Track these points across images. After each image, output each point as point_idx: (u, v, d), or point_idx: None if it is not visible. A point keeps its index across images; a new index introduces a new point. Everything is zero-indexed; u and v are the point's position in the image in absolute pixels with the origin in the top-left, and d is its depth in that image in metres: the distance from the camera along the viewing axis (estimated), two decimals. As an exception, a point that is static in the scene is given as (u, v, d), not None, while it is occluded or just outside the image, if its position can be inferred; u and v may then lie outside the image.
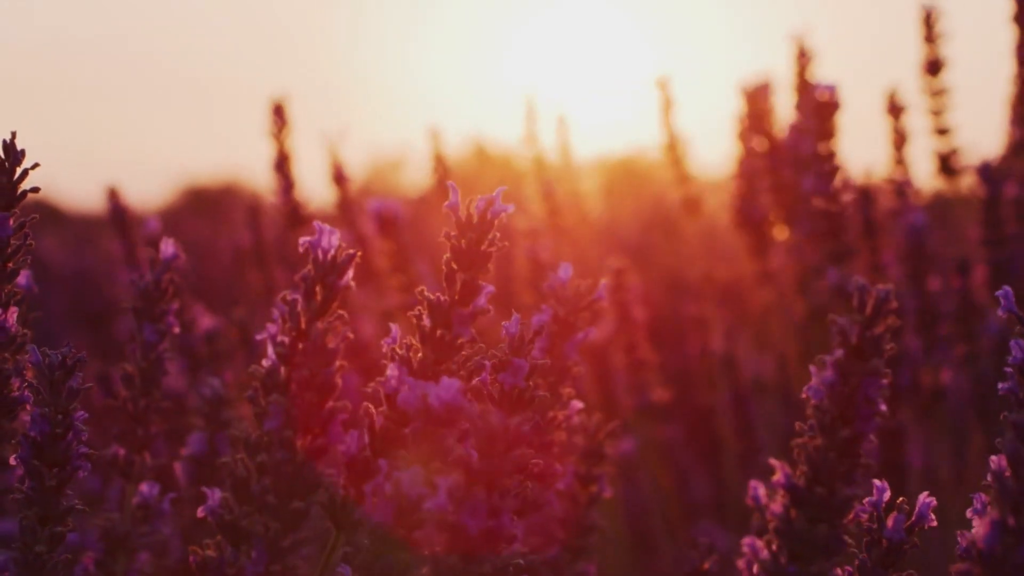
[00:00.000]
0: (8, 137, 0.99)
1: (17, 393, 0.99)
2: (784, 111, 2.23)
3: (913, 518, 0.96)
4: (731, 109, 2.29)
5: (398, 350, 0.86)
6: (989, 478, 0.92)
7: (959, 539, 0.88)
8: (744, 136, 2.27)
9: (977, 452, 1.94)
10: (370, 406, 0.86)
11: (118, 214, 2.22)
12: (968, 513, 0.94)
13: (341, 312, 0.83)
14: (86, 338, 3.02)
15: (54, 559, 0.97)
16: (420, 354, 0.86)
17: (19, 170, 0.99)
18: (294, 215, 2.21)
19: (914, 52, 2.15)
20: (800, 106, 2.13)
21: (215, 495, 0.86)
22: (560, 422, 0.97)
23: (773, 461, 0.86)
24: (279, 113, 2.20)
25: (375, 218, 1.95)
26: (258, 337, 0.84)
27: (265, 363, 0.84)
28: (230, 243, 2.90)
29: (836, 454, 0.84)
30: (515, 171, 2.55)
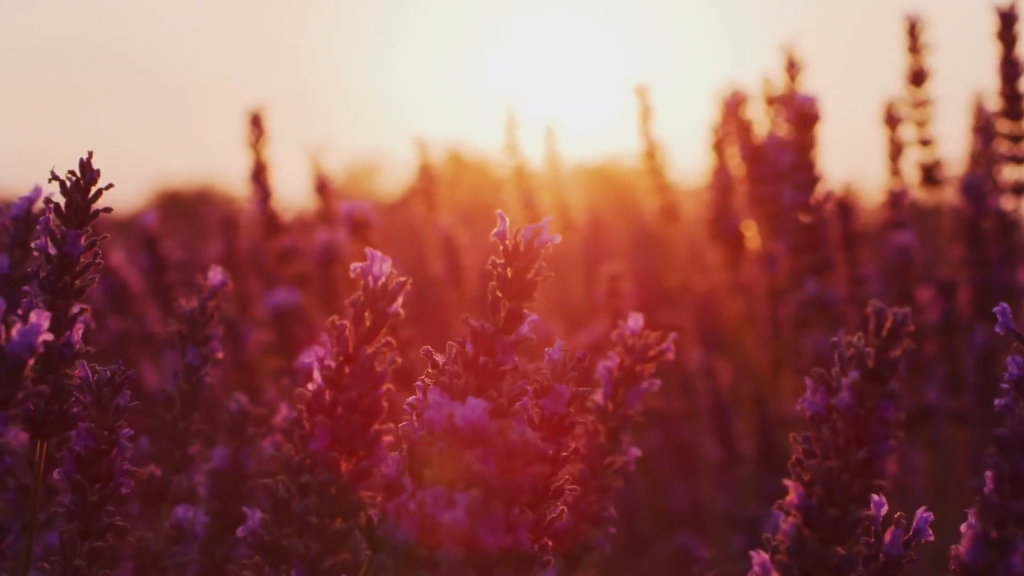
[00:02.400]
0: (85, 156, 1.00)
1: (77, 409, 0.99)
2: (764, 122, 2.25)
3: (910, 533, 0.97)
4: (709, 118, 2.31)
5: (442, 376, 0.87)
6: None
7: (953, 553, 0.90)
8: (718, 147, 2.29)
9: (963, 468, 1.96)
10: (408, 430, 0.87)
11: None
12: (962, 528, 0.96)
13: (389, 339, 0.84)
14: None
15: (93, 574, 0.98)
16: (463, 380, 0.87)
17: (93, 189, 1.00)
18: (271, 224, 2.22)
19: (897, 63, 2.17)
20: (784, 116, 2.15)
21: (255, 515, 0.87)
22: (618, 468, 0.99)
23: (788, 482, 0.87)
24: (256, 123, 2.20)
25: (347, 221, 1.95)
26: (304, 360, 0.86)
27: (311, 386, 0.85)
28: (203, 251, 2.89)
29: (851, 476, 0.85)
30: (492, 178, 2.56)
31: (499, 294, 0.88)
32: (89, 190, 1.00)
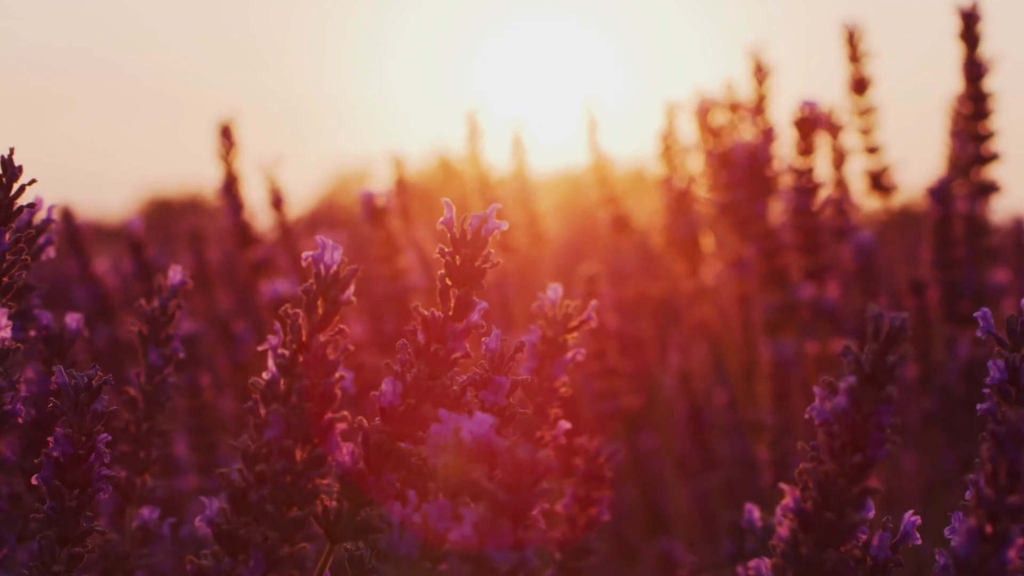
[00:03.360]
0: (6, 153, 1.00)
1: (9, 407, 0.99)
2: (730, 128, 2.26)
3: (898, 536, 0.97)
4: (660, 126, 2.32)
5: (394, 365, 0.88)
6: (968, 495, 0.95)
7: (937, 557, 0.90)
8: (667, 154, 2.30)
9: (944, 467, 1.97)
10: (364, 420, 0.88)
11: (72, 234, 2.23)
12: (946, 532, 0.96)
13: (342, 326, 0.85)
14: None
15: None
16: (415, 368, 0.88)
17: (16, 185, 1.01)
18: (243, 236, 2.22)
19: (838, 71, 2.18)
20: (758, 122, 2.16)
21: (213, 504, 0.88)
22: (547, 442, 0.99)
23: (783, 486, 0.87)
24: (227, 135, 2.21)
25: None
26: (260, 348, 0.87)
27: (265, 375, 0.86)
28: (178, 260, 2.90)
29: (846, 480, 0.85)
30: (480, 184, 2.55)
31: (448, 282, 0.89)
32: (11, 187, 1.00)
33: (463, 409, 0.88)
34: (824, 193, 1.98)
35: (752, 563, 0.89)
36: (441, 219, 0.89)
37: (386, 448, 0.87)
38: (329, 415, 0.85)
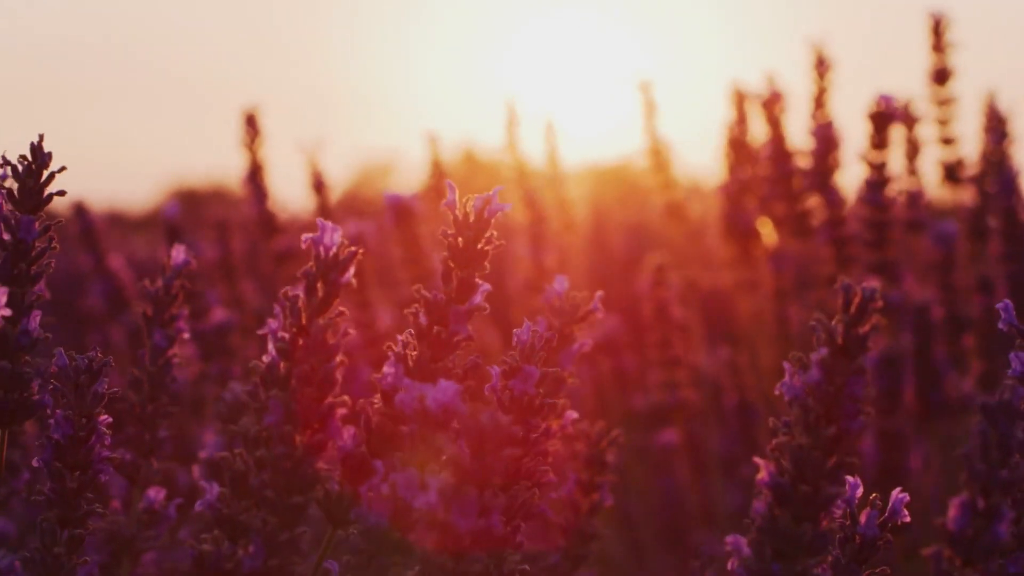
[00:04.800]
0: (36, 140, 1.00)
1: (38, 396, 0.99)
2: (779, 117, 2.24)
3: (886, 514, 0.96)
4: (720, 116, 2.30)
5: (395, 348, 0.87)
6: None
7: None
8: (734, 143, 2.28)
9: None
10: (366, 403, 0.87)
11: (86, 228, 2.24)
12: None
13: (342, 309, 0.84)
14: (70, 341, 3.02)
15: (73, 561, 0.98)
16: (416, 351, 0.87)
17: (45, 173, 1.00)
18: (268, 226, 2.22)
19: (920, 61, 2.16)
20: (817, 113, 2.14)
21: (213, 489, 0.87)
22: (555, 432, 0.98)
23: (758, 459, 0.87)
24: (251, 123, 2.20)
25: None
26: (259, 332, 0.86)
27: (265, 358, 0.85)
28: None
29: (821, 453, 0.84)
30: (505, 177, 2.55)
31: (451, 264, 0.88)
32: (41, 174, 1.00)
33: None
34: (896, 186, 1.95)
35: (729, 538, 0.87)
36: (443, 200, 0.88)
37: (387, 431, 0.86)
38: (329, 399, 0.84)
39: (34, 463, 0.99)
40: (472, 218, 0.87)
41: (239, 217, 2.66)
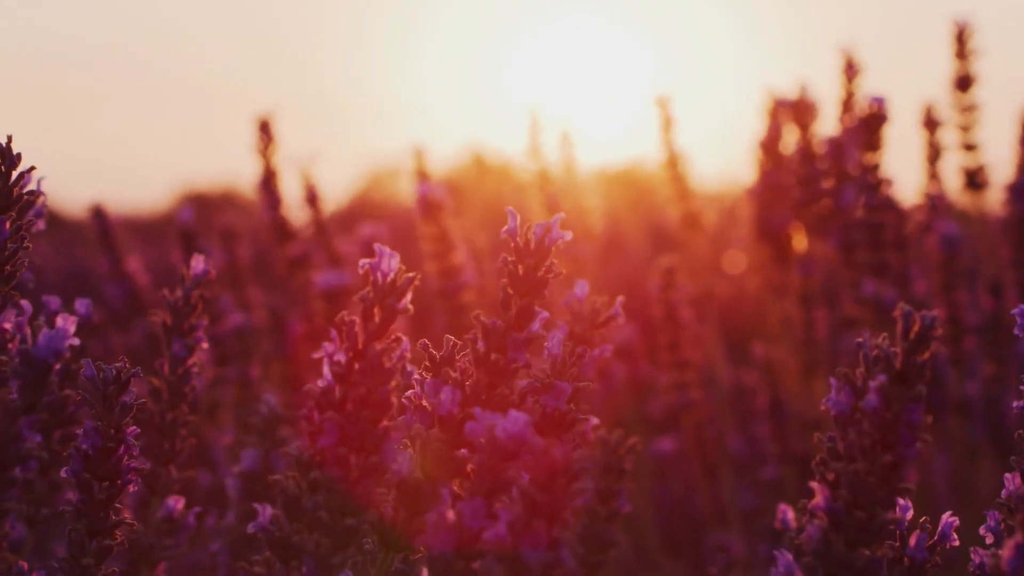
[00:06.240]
0: (3, 141, 1.00)
1: (72, 409, 1.00)
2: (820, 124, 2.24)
3: (936, 537, 0.96)
4: (749, 121, 2.30)
5: (452, 372, 0.87)
6: (1003, 495, 0.93)
7: (972, 556, 0.89)
8: (767, 147, 2.28)
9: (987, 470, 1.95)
10: (421, 427, 0.87)
11: (103, 231, 2.24)
12: (981, 530, 0.95)
13: (399, 334, 0.84)
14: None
15: (101, 572, 0.98)
16: (474, 377, 0.87)
17: (15, 173, 1.00)
18: (282, 232, 2.22)
19: (943, 68, 2.16)
20: (844, 117, 2.15)
21: (266, 511, 0.87)
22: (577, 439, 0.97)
23: (814, 484, 0.86)
24: (265, 130, 2.20)
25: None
26: (315, 355, 0.86)
27: (320, 382, 0.85)
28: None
29: (877, 479, 0.84)
30: (514, 182, 2.55)
31: (510, 291, 0.87)
32: (10, 174, 1.00)
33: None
34: (888, 188, 1.96)
35: (782, 562, 0.87)
36: (505, 228, 0.87)
37: (444, 456, 0.86)
38: (385, 423, 0.84)
39: (63, 474, 0.99)
40: (533, 245, 0.87)
41: (250, 222, 2.65)
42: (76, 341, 0.90)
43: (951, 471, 2.02)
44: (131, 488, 0.99)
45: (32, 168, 1.01)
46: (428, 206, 1.90)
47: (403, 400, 0.87)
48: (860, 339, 0.87)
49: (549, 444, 0.74)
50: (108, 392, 0.98)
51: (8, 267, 0.99)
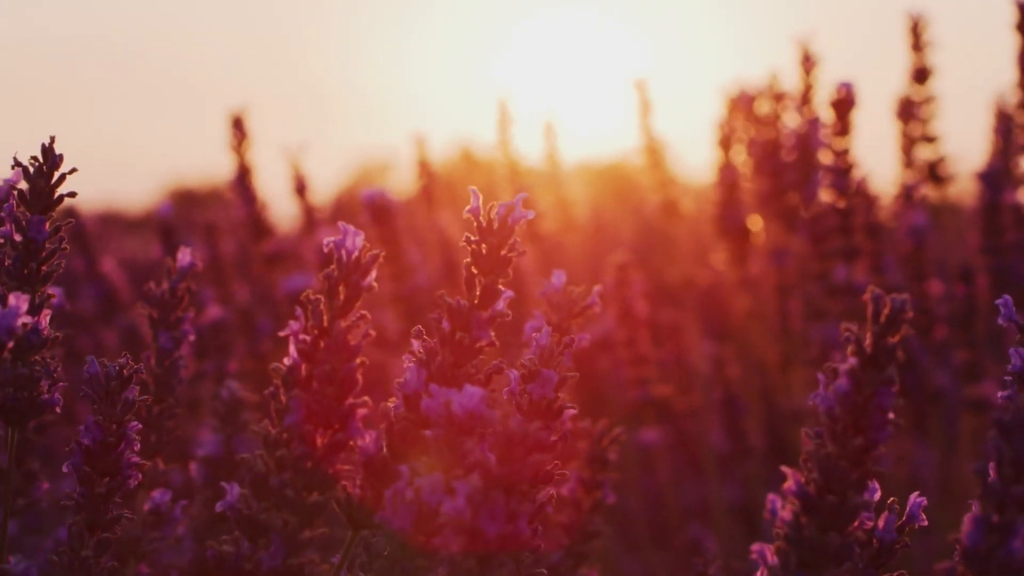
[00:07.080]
0: (47, 141, 1.00)
1: (47, 396, 0.99)
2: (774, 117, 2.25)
3: (904, 518, 0.96)
4: (716, 115, 2.31)
5: (418, 352, 0.87)
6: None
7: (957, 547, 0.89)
8: (725, 143, 2.29)
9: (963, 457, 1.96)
10: (388, 406, 0.88)
11: (77, 231, 2.24)
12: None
13: (363, 312, 0.84)
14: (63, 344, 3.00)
15: (100, 565, 0.98)
16: (439, 356, 0.87)
17: (56, 174, 1.00)
18: (256, 228, 2.22)
19: (900, 61, 2.18)
20: (803, 109, 2.15)
21: (234, 490, 0.87)
22: (571, 434, 0.98)
23: (786, 469, 0.86)
24: (238, 126, 2.20)
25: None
26: (281, 334, 0.86)
27: (286, 360, 0.85)
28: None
29: (848, 463, 0.84)
30: (501, 174, 2.55)
31: (474, 270, 0.88)
32: (52, 175, 1.00)
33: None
34: (859, 174, 1.96)
35: (755, 547, 0.87)
36: (467, 207, 0.88)
37: (408, 435, 0.86)
38: (351, 400, 0.84)
39: (64, 468, 1.00)
40: (496, 225, 0.87)
41: (236, 217, 2.66)
42: (28, 319, 0.90)
43: (936, 462, 2.03)
44: (131, 483, 0.99)
45: (74, 170, 1.01)
46: (377, 210, 1.90)
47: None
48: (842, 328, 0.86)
49: (504, 416, 0.74)
50: (110, 388, 0.98)
51: (45, 268, 1.00)
